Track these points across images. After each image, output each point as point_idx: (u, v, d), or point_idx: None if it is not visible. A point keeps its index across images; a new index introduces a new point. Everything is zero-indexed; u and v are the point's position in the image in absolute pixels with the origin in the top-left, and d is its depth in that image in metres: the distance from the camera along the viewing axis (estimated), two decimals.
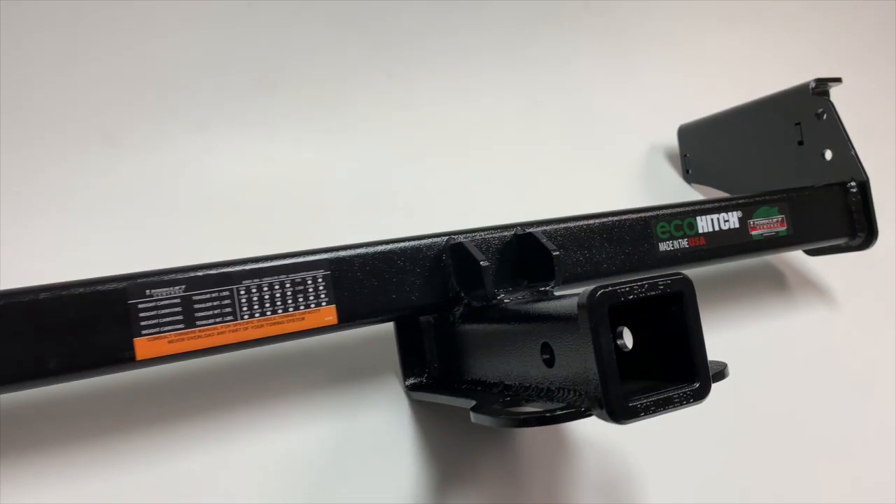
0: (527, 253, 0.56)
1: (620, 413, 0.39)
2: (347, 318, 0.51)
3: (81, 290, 0.44)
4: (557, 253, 0.54)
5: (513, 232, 0.58)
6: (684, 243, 0.65)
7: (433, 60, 0.81)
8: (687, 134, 0.91)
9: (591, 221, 0.61)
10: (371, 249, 0.53)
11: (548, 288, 0.53)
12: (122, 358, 0.45)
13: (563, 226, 0.60)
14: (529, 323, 0.46)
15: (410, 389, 0.58)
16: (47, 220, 0.57)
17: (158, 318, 0.46)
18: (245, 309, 0.48)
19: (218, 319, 0.47)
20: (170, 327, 0.46)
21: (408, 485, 0.56)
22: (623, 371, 0.40)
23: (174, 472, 0.51)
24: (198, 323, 0.47)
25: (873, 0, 1.18)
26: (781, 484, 0.71)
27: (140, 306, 0.45)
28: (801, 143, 0.77)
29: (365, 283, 0.52)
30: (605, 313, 0.39)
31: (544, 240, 0.55)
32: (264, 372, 0.56)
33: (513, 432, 0.59)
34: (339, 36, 0.76)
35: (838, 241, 0.75)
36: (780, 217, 0.71)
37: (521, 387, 0.47)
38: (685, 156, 0.92)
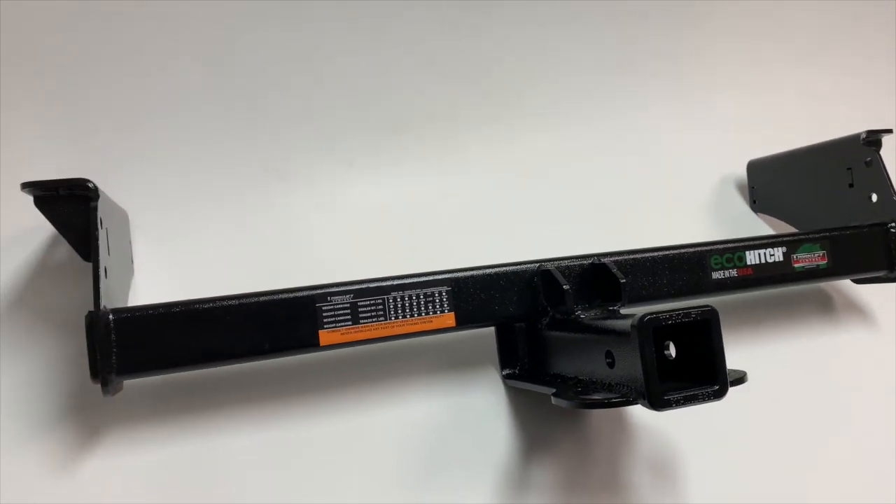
0: (600, 279, 0.73)
1: (657, 403, 0.55)
2: (463, 322, 0.70)
3: (287, 295, 0.65)
4: (624, 280, 0.70)
5: (591, 261, 0.74)
6: (734, 273, 0.80)
7: (527, 106, 0.97)
8: (755, 168, 1.04)
9: (655, 254, 0.77)
10: (481, 272, 0.71)
11: (615, 308, 0.70)
12: (311, 343, 0.65)
13: (631, 257, 0.76)
14: (598, 335, 0.63)
15: (506, 378, 0.76)
16: (244, 239, 0.79)
17: (335, 317, 0.66)
18: (393, 312, 0.68)
19: (374, 319, 0.67)
20: (342, 323, 0.66)
21: (502, 450, 0.75)
22: (667, 373, 0.57)
23: (327, 430, 0.72)
24: (361, 321, 0.66)
25: None
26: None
27: (323, 308, 0.65)
28: (851, 185, 0.89)
29: (476, 296, 0.70)
30: (650, 334, 0.56)
31: (615, 269, 0.71)
32: (397, 360, 0.76)
33: (585, 415, 0.77)
34: (453, 90, 0.93)
35: (878, 274, 0.87)
36: (821, 252, 0.84)
37: (590, 381, 0.65)
38: (752, 187, 1.04)
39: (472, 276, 0.71)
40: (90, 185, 0.61)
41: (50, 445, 0.66)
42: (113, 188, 0.71)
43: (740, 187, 1.08)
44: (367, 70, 0.89)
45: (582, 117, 0.99)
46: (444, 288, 0.70)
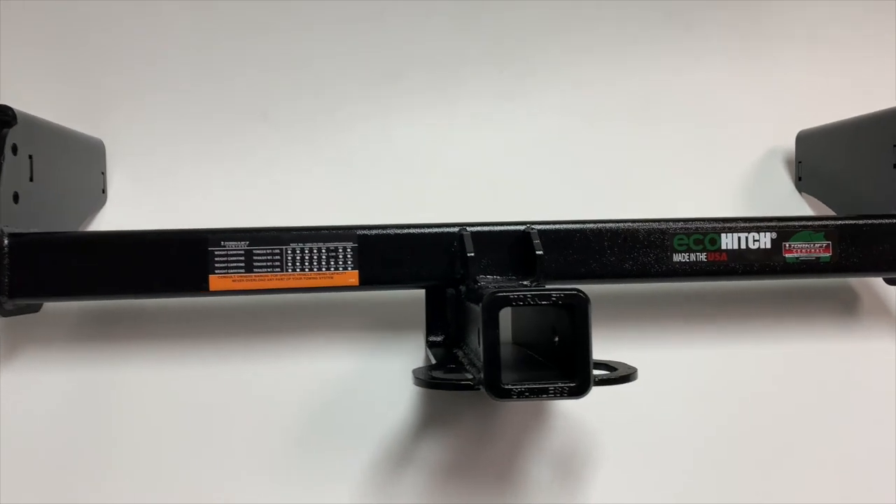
0: (524, 250, 0.66)
1: (495, 392, 0.49)
2: (367, 282, 0.66)
3: (179, 236, 0.65)
4: (540, 253, 0.63)
5: (522, 229, 0.67)
6: (702, 257, 0.69)
7: (540, 56, 0.88)
8: (805, 141, 0.89)
9: (601, 226, 0.68)
10: (392, 231, 0.67)
11: (526, 283, 0.63)
12: (201, 287, 0.65)
13: (570, 227, 0.68)
14: (474, 311, 0.57)
15: (430, 346, 0.72)
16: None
17: (227, 263, 0.65)
18: (290, 264, 0.66)
19: (269, 269, 0.65)
20: (235, 270, 0.65)
21: (399, 421, 0.72)
22: (550, 357, 0.51)
23: (229, 376, 0.72)
24: (255, 269, 0.65)
25: None
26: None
27: (216, 253, 0.65)
28: None
29: (385, 256, 0.67)
30: (495, 314, 0.49)
31: (536, 240, 0.64)
32: (320, 314, 0.74)
33: None
34: (455, 35, 0.86)
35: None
36: (824, 243, 0.71)
37: (469, 358, 0.59)
38: (799, 162, 0.90)
39: (381, 235, 0.67)
40: (10, 111, 0.64)
41: None
42: (94, 120, 0.75)
43: (788, 163, 0.94)
44: (360, 13, 0.84)
45: (607, 74, 0.88)
46: (350, 244, 0.66)
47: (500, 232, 0.67)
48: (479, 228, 0.67)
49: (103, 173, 0.80)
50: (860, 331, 0.80)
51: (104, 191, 0.79)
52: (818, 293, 0.81)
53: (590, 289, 0.74)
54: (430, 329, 0.72)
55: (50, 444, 0.71)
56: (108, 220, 0.78)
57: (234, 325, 0.74)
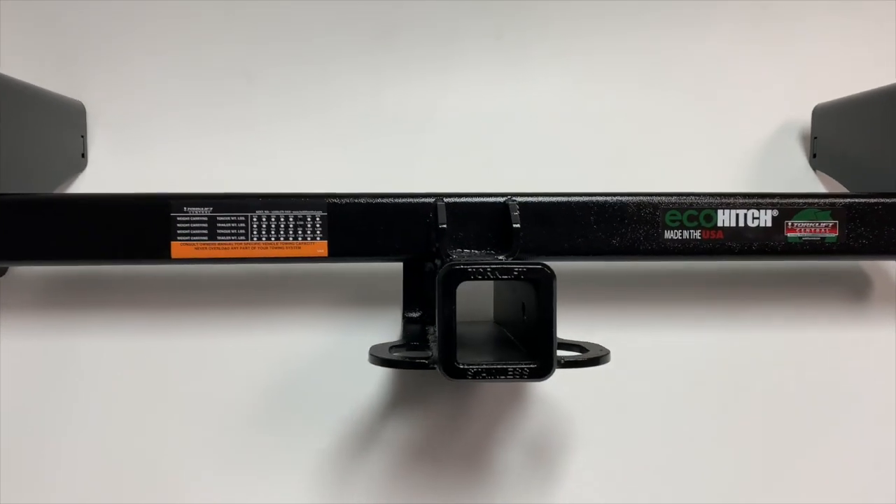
0: (504, 223, 0.62)
1: (449, 371, 0.46)
2: (337, 253, 0.63)
3: (140, 200, 0.62)
4: (517, 226, 0.59)
5: (502, 201, 0.63)
6: (696, 234, 0.65)
7: (539, 19, 0.83)
8: (822, 115, 0.83)
9: (588, 199, 0.64)
10: (362, 201, 0.63)
11: (501, 257, 0.59)
12: (162, 254, 0.62)
13: (552, 200, 0.64)
14: None
15: (406, 322, 0.69)
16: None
17: (190, 229, 0.62)
18: (256, 232, 0.62)
19: (233, 237, 0.62)
20: (198, 237, 0.62)
21: (369, 398, 0.69)
22: (521, 337, 0.47)
23: (190, 348, 0.69)
24: (219, 237, 0.62)
25: None
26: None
27: (178, 218, 0.62)
28: None
29: (356, 226, 0.63)
30: (451, 288, 0.46)
31: (515, 212, 0.60)
32: (291, 286, 0.71)
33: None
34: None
35: None
36: (831, 223, 0.65)
37: (433, 334, 0.56)
38: (815, 138, 0.85)
39: (353, 203, 0.63)
40: None
41: None
42: (75, 82, 0.73)
43: (803, 138, 0.88)
44: None
45: (614, 39, 0.82)
46: (319, 213, 0.63)
47: (479, 204, 0.63)
48: (455, 199, 0.63)
49: (83, 137, 0.77)
50: (869, 318, 0.75)
51: (84, 155, 0.77)
52: (825, 277, 0.76)
53: (575, 266, 0.72)
54: (407, 304, 0.68)
55: (8, 408, 0.69)
56: (88, 185, 0.75)
57: (199, 296, 0.71)
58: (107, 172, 0.76)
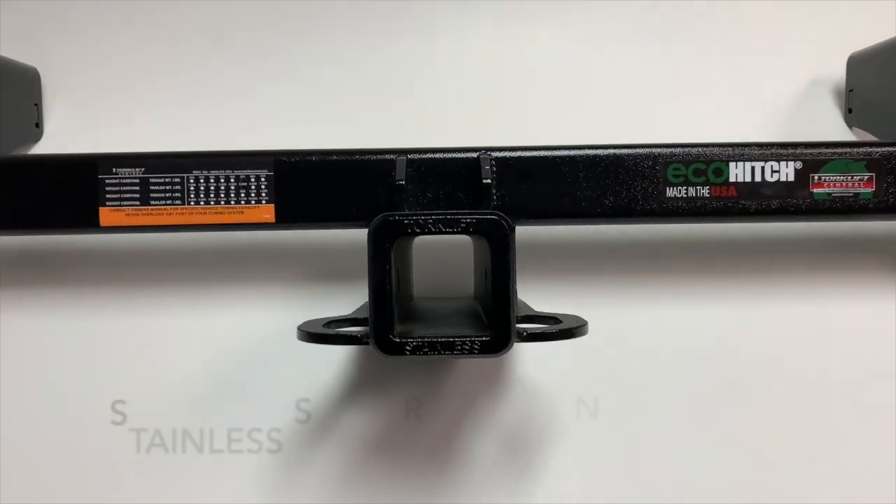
0: (477, 182, 0.53)
1: (382, 346, 0.38)
2: (285, 219, 0.55)
3: (64, 162, 0.55)
4: (488, 181, 0.51)
5: (476, 156, 0.55)
6: (704, 192, 0.56)
7: None
8: (858, 64, 0.74)
9: (574, 153, 0.55)
10: (314, 158, 0.55)
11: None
12: (90, 223, 0.55)
13: (533, 154, 0.55)
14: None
15: None
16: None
17: (120, 193, 0.55)
18: (193, 196, 0.55)
19: (168, 202, 0.55)
20: (129, 203, 0.55)
21: (327, 381, 0.62)
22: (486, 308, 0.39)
23: (124, 328, 0.63)
24: (152, 202, 0.55)
25: None
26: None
27: (107, 181, 0.55)
28: None
29: (307, 187, 0.55)
30: (384, 244, 0.37)
31: (486, 166, 0.52)
32: (251, 259, 0.64)
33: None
34: None
35: None
36: (866, 175, 0.55)
37: None
38: (850, 91, 0.75)
39: (303, 161, 0.55)
40: None
41: None
42: (28, 47, 0.68)
43: (837, 93, 0.78)
44: None
45: None
46: (264, 172, 0.55)
47: (446, 160, 0.55)
48: (420, 156, 0.55)
49: (37, 105, 0.71)
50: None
51: (38, 124, 0.71)
52: (859, 242, 0.67)
53: (562, 231, 0.64)
54: None
55: None
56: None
57: (134, 270, 0.64)
58: (63, 142, 0.70)
